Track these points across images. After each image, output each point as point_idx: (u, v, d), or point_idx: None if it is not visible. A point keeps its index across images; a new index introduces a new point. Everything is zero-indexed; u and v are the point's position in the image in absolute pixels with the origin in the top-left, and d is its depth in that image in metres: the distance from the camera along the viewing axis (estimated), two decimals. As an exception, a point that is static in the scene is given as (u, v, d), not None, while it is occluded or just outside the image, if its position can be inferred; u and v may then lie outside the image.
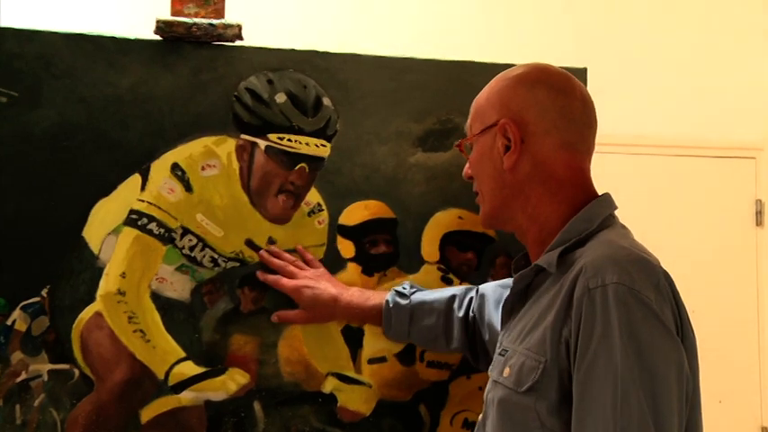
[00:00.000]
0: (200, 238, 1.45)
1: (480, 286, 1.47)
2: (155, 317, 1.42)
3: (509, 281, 1.31)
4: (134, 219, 1.42)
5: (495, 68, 1.34)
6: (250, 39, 1.50)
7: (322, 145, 1.49)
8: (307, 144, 1.47)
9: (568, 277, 1.09)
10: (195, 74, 1.46)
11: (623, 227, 1.20)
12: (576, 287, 1.06)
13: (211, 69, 1.47)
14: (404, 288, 1.46)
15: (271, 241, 1.48)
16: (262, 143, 1.46)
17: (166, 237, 1.43)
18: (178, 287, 1.44)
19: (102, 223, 1.42)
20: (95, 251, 1.42)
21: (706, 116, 2.91)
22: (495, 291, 1.42)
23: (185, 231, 1.44)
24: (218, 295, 1.46)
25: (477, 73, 1.48)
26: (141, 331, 1.41)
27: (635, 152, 2.76)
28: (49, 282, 1.40)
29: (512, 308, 1.22)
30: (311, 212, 1.50)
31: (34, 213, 1.39)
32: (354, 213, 1.53)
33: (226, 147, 1.46)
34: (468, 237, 1.56)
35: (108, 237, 1.42)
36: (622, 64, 2.76)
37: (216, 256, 1.46)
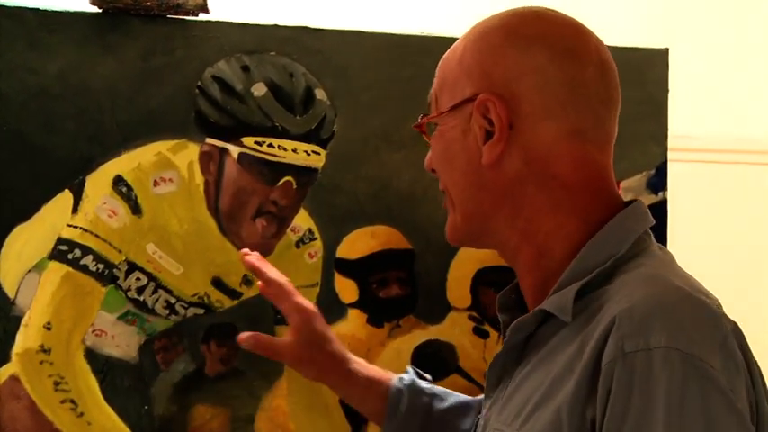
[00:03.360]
0: (151, 277, 1.36)
1: None
2: (90, 382, 1.33)
3: None
4: (63, 251, 1.32)
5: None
6: (219, 11, 1.41)
7: (314, 152, 1.40)
8: (294, 151, 1.38)
9: (593, 331, 0.90)
10: (145, 58, 1.37)
11: (662, 249, 1.01)
12: (605, 348, 0.87)
13: (167, 52, 1.37)
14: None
15: (246, 280, 1.38)
16: (234, 150, 1.37)
17: (106, 275, 1.34)
18: (122, 342, 1.36)
19: (20, 257, 1.33)
20: (10, 294, 1.32)
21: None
22: None
23: (132, 267, 1.35)
24: (176, 353, 1.38)
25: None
26: (72, 401, 1.32)
27: (736, 160, 2.54)
28: (-52, 337, 1.32)
29: (503, 370, 1.03)
30: (300, 242, 1.41)
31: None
32: (358, 244, 1.43)
33: (186, 155, 1.37)
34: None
35: (28, 275, 1.33)
36: (719, 43, 2.55)
37: (173, 301, 1.37)
